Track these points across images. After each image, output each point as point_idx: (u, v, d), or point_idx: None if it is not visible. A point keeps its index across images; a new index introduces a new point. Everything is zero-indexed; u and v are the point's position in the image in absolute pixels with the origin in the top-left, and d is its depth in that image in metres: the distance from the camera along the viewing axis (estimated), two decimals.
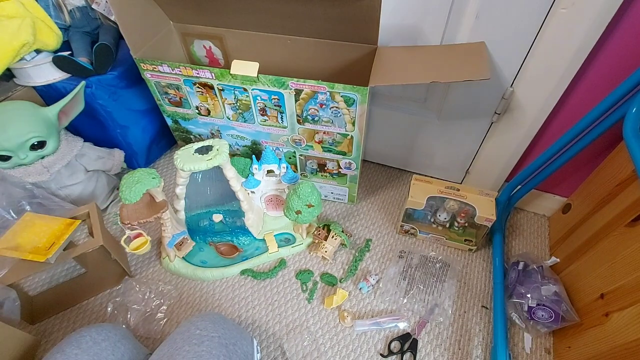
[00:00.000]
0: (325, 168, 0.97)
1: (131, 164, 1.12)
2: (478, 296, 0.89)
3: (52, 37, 0.87)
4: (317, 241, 0.95)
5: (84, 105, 0.91)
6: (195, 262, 0.91)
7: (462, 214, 0.93)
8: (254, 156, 0.89)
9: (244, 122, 0.91)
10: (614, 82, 0.69)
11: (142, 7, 0.86)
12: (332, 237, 0.94)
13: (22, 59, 0.85)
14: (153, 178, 0.74)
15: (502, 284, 0.87)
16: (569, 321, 0.75)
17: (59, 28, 0.89)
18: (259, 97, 0.83)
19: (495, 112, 0.87)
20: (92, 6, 0.95)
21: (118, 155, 1.03)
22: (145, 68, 0.86)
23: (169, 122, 1.01)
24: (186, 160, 0.76)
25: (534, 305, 0.78)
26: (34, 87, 0.92)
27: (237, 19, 0.89)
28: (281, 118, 0.86)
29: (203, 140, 0.87)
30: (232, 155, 0.99)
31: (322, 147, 0.90)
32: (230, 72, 0.79)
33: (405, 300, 0.87)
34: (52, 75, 0.91)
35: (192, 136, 1.03)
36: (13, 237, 0.72)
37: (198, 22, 0.95)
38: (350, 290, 0.89)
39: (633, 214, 0.67)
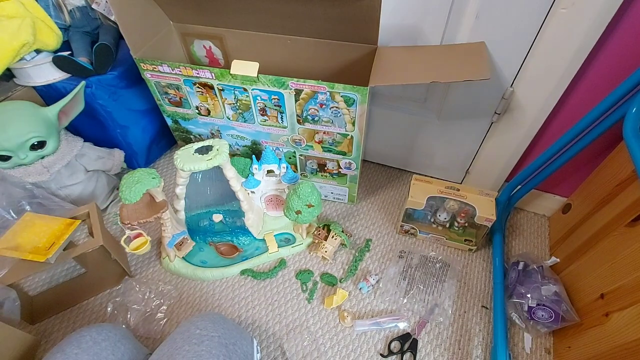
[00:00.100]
0: (325, 168, 0.97)
1: (131, 164, 1.12)
2: (478, 296, 0.89)
3: (52, 37, 0.87)
4: (317, 241, 0.95)
5: (84, 105, 0.91)
6: (195, 262, 0.91)
7: (462, 214, 0.93)
8: (254, 156, 0.89)
9: (244, 122, 0.91)
10: (614, 82, 0.69)
11: (142, 7, 0.86)
12: (332, 237, 0.94)
13: (22, 59, 0.85)
14: (153, 178, 0.74)
15: (502, 284, 0.87)
16: (569, 321, 0.75)
17: (59, 28, 0.89)
18: (259, 97, 0.83)
19: (495, 112, 0.87)
20: (92, 6, 0.95)
21: (118, 155, 1.03)
22: (145, 68, 0.86)
23: (169, 122, 1.01)
24: (186, 160, 0.76)
25: (534, 305, 0.78)
26: (34, 87, 0.92)
27: (237, 19, 0.89)
28: (281, 118, 0.86)
29: (203, 140, 0.87)
30: (232, 155, 0.99)
31: (322, 147, 0.90)
32: (230, 72, 0.79)
33: (405, 300, 0.87)
34: (52, 75, 0.91)
35: (192, 136, 1.03)
36: (13, 237, 0.72)
37: (198, 22, 0.95)
38: (350, 290, 0.89)
39: (633, 214, 0.67)
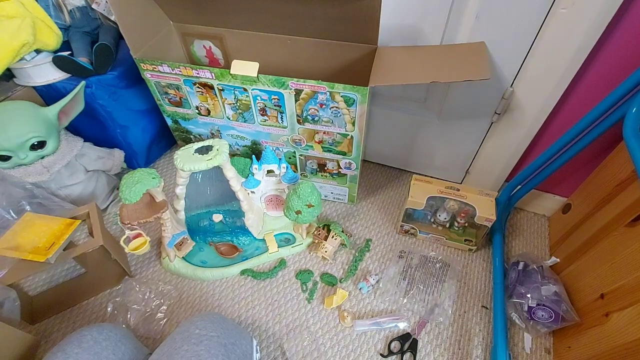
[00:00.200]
0: (325, 168, 0.97)
1: (131, 164, 1.12)
2: (478, 296, 0.89)
3: (52, 37, 0.87)
4: (317, 241, 0.95)
5: (84, 105, 0.91)
6: (195, 262, 0.91)
7: (462, 214, 0.93)
8: (254, 156, 0.89)
9: (244, 122, 0.91)
10: (614, 82, 0.69)
11: (142, 7, 0.86)
12: (332, 237, 0.94)
13: (22, 59, 0.85)
14: (153, 178, 0.74)
15: (502, 284, 0.87)
16: (569, 321, 0.75)
17: (59, 28, 0.89)
18: (259, 97, 0.83)
19: (495, 112, 0.87)
20: (92, 6, 0.95)
21: (118, 155, 1.03)
22: (145, 68, 0.86)
23: (169, 122, 1.01)
24: (186, 160, 0.76)
25: (534, 305, 0.78)
26: (34, 87, 0.92)
27: (237, 19, 0.89)
28: (281, 118, 0.86)
29: (203, 140, 0.87)
30: (232, 155, 0.99)
31: (322, 147, 0.90)
32: (230, 72, 0.79)
33: (405, 300, 0.87)
34: (52, 75, 0.91)
35: (192, 136, 1.03)
36: (13, 237, 0.71)
37: (198, 22, 0.95)
38: (350, 290, 0.89)
39: (633, 214, 0.67)
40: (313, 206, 0.84)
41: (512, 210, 1.05)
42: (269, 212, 1.00)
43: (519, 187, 0.94)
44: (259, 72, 0.77)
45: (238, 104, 0.86)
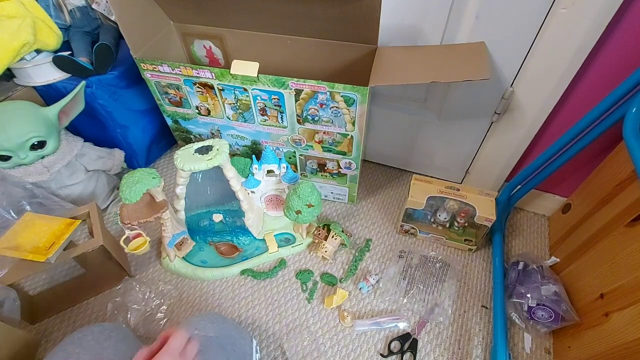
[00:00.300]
0: (325, 168, 0.97)
1: (131, 163, 1.12)
2: (478, 296, 0.89)
3: (52, 37, 0.87)
4: (317, 241, 0.95)
5: (84, 105, 0.91)
6: (195, 262, 0.91)
7: (462, 214, 0.93)
8: (254, 156, 0.89)
9: (244, 122, 0.91)
10: (614, 82, 0.69)
11: (142, 7, 0.86)
12: (332, 237, 0.94)
13: (22, 59, 0.85)
14: (153, 178, 0.74)
15: (502, 284, 0.87)
16: (569, 321, 0.75)
17: (59, 28, 0.89)
18: (259, 97, 0.83)
19: (495, 112, 0.87)
20: (92, 6, 0.95)
21: (118, 155, 1.03)
22: (145, 68, 0.86)
23: (169, 122, 1.01)
24: (186, 160, 0.76)
25: (534, 305, 0.78)
26: (34, 87, 0.92)
27: (237, 19, 0.89)
28: (281, 118, 0.86)
29: (203, 140, 0.87)
30: (232, 155, 0.99)
31: (322, 147, 0.90)
32: (231, 72, 0.79)
33: (405, 300, 0.87)
34: (52, 75, 0.91)
35: (192, 136, 1.03)
36: (13, 237, 0.72)
37: (198, 22, 0.95)
38: (350, 290, 0.89)
39: (633, 214, 0.67)
40: (313, 206, 0.84)
41: (512, 210, 1.05)
42: (269, 212, 1.00)
43: (519, 187, 0.94)
44: (259, 72, 0.77)
45: (238, 104, 0.86)
